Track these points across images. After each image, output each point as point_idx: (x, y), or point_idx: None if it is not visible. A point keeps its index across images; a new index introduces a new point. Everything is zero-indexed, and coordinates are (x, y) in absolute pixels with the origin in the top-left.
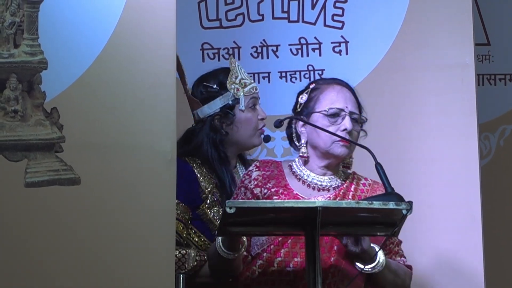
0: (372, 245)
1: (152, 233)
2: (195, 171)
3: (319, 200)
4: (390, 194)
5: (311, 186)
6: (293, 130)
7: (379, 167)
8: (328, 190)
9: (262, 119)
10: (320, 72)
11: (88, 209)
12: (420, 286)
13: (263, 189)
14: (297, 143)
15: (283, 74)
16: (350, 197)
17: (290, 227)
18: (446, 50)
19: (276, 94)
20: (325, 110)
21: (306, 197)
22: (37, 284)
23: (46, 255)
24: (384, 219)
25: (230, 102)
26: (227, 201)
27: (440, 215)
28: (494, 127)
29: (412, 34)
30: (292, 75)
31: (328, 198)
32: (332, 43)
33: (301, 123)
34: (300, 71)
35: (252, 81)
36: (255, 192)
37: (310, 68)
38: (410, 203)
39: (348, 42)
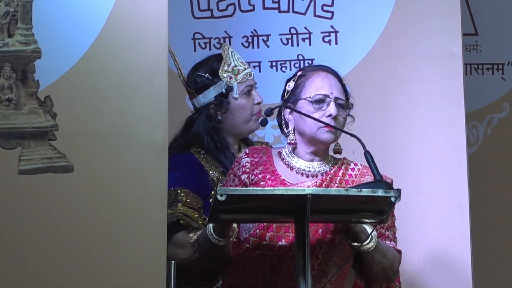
0: (365, 226)
1: (144, 219)
2: (202, 162)
3: (305, 185)
4: (379, 182)
5: (299, 172)
6: (282, 117)
7: (368, 155)
8: (316, 176)
9: (258, 103)
10: (310, 62)
11: (80, 196)
12: (408, 272)
13: (250, 175)
14: (285, 130)
15: (274, 64)
16: (337, 182)
17: (280, 214)
18: (434, 40)
19: (267, 83)
20: (310, 97)
21: (293, 183)
22: (31, 270)
23: (40, 240)
24: (373, 207)
25: (224, 91)
26: (217, 188)
27: (428, 203)
28: (481, 116)
29: (400, 24)
30: (283, 65)
31: (315, 184)
32: (321, 33)
33: (288, 110)
34: (290, 61)
35: (246, 66)
36: (242, 178)
37: (300, 57)
38: (398, 190)
39: (338, 32)
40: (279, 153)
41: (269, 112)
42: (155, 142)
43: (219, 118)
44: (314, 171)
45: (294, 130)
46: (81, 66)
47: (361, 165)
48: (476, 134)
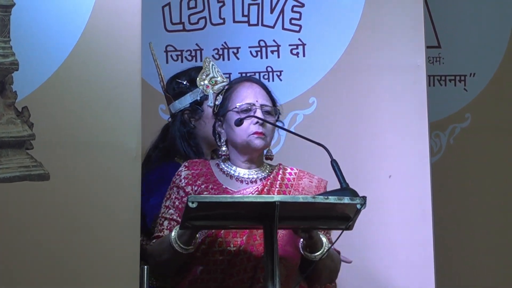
0: (320, 235)
1: (118, 227)
2: None
3: (248, 192)
4: (345, 189)
5: (239, 179)
6: (215, 131)
7: (334, 164)
8: (256, 182)
9: None
10: (278, 73)
11: (56, 203)
12: (372, 278)
13: (193, 186)
14: (219, 143)
15: (245, 75)
16: (277, 186)
17: (249, 221)
18: (398, 52)
19: None
20: (236, 107)
21: (235, 190)
22: (6, 276)
23: (16, 246)
24: (339, 214)
25: (199, 98)
26: (189, 196)
27: (392, 210)
28: (444, 126)
29: (366, 37)
30: (252, 76)
31: (257, 189)
32: (290, 45)
33: (218, 123)
34: (259, 72)
35: (225, 80)
36: (187, 190)
37: (269, 69)
38: (364, 198)
39: (305, 44)
40: (217, 164)
41: (239, 121)
42: (129, 150)
43: (193, 124)
44: (253, 178)
45: (226, 141)
46: (57, 78)
47: (297, 169)
48: (439, 143)
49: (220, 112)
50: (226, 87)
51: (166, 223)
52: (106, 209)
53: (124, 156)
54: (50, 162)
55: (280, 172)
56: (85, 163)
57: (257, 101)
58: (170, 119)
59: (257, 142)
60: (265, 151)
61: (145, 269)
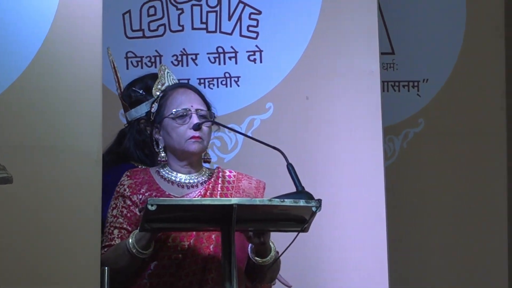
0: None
1: (79, 230)
2: None
3: (191, 196)
4: (301, 192)
5: (180, 185)
6: (152, 138)
7: (290, 167)
8: (197, 186)
9: None
10: (236, 79)
11: (19, 206)
12: (328, 281)
13: (138, 195)
14: (157, 150)
15: (202, 81)
16: (219, 189)
17: (207, 224)
18: (353, 59)
19: None
20: (172, 113)
21: (178, 195)
22: None
23: None
24: (295, 216)
25: None
26: (149, 198)
27: (347, 212)
28: (398, 130)
29: (322, 44)
30: (210, 82)
31: (199, 194)
32: (247, 52)
33: (155, 130)
34: (217, 78)
35: None
36: (133, 199)
37: (227, 75)
38: (319, 201)
39: (263, 51)
40: (157, 171)
41: (197, 126)
42: (90, 154)
43: (149, 133)
44: (194, 182)
45: (164, 148)
46: (20, 83)
47: (235, 172)
48: (393, 148)
49: (157, 119)
50: (161, 95)
51: (116, 231)
52: (68, 211)
53: (85, 160)
54: (13, 165)
55: (220, 175)
56: (47, 167)
57: (192, 106)
58: (126, 125)
59: (195, 146)
60: (203, 155)
61: (106, 271)
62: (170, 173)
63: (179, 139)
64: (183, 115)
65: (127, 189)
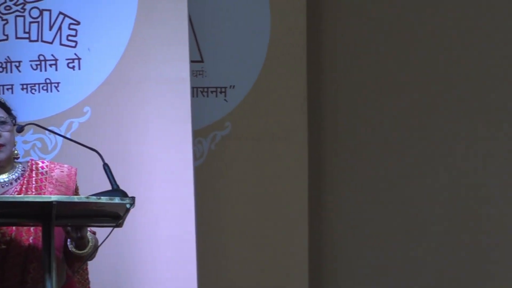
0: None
1: None
2: None
3: (9, 194)
4: (116, 190)
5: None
6: None
7: (106, 167)
8: (11, 183)
9: None
10: (56, 85)
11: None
12: (141, 271)
13: None
14: None
15: (25, 86)
16: (33, 182)
17: (31, 219)
18: (165, 66)
19: (18, 104)
20: None
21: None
22: None
23: None
24: (111, 213)
25: None
26: None
27: (160, 209)
28: (206, 133)
29: (136, 52)
30: (32, 87)
31: (15, 190)
32: (67, 59)
33: None
34: (39, 84)
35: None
36: None
37: (48, 81)
38: (133, 198)
39: (81, 59)
40: None
41: (20, 129)
42: None
43: None
44: (9, 180)
45: None
46: None
47: (48, 161)
48: (202, 149)
49: None
50: None
51: None
52: None
53: None
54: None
55: (34, 167)
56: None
57: None
58: None
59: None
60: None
61: None
62: None
63: None
64: None
65: None
